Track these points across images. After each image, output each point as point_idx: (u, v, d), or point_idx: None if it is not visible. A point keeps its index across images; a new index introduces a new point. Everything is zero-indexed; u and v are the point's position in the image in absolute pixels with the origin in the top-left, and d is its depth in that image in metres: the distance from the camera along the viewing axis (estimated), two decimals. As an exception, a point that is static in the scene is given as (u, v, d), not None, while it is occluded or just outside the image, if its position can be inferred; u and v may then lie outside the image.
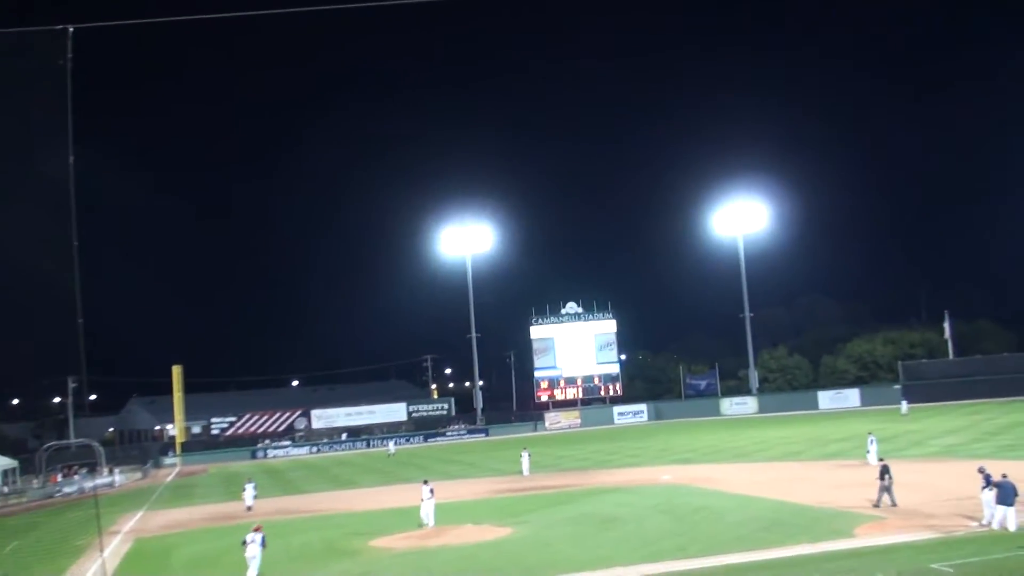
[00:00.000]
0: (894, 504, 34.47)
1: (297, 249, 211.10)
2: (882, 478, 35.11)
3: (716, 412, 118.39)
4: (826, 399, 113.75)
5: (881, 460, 38.62)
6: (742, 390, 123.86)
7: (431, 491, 38.65)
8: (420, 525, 38.12)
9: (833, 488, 40.57)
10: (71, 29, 31.17)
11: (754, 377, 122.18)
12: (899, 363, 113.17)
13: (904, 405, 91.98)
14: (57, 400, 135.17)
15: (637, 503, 41.53)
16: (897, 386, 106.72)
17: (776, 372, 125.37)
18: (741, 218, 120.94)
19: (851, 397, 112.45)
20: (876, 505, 34.80)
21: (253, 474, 64.06)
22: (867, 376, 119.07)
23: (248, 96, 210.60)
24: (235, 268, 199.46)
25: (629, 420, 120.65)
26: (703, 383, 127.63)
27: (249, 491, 51.31)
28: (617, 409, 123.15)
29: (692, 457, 64.22)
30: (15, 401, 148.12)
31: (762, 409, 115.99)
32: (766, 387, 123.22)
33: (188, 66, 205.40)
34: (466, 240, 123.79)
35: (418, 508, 38.90)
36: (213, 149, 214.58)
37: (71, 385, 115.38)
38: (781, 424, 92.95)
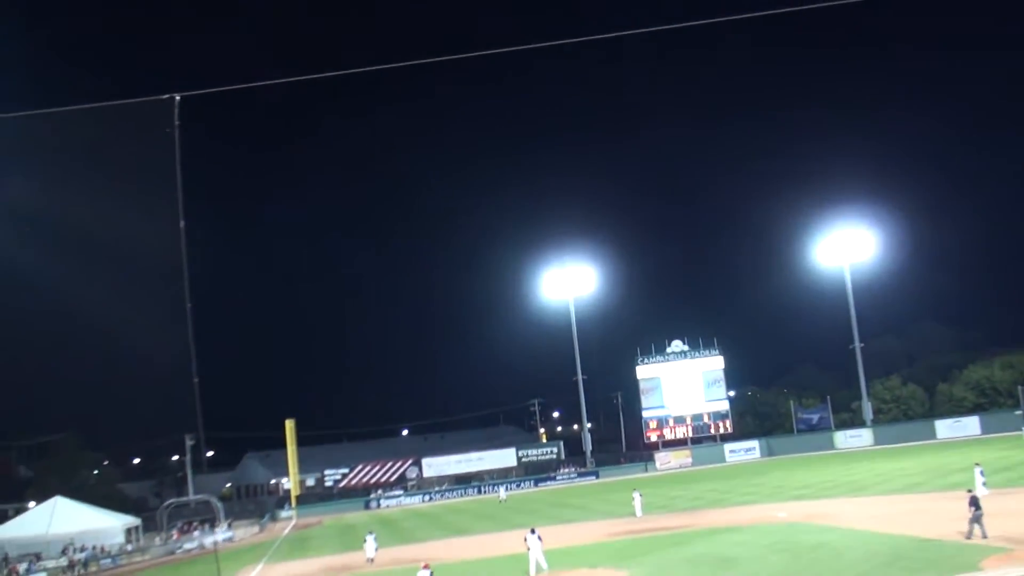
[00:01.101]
0: (985, 536, 33.83)
1: (401, 300, 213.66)
2: (973, 509, 34.58)
3: (830, 446, 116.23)
4: (944, 428, 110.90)
5: (970, 491, 37.71)
6: (856, 422, 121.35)
7: (539, 538, 38.59)
8: (525, 574, 37.99)
9: (956, 520, 39.49)
10: (178, 98, 32.45)
11: (868, 408, 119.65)
12: (1019, 388, 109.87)
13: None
14: (175, 458, 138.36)
15: (753, 542, 40.97)
16: (1018, 412, 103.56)
17: (890, 403, 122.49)
18: (846, 246, 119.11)
19: (970, 425, 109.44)
20: (968, 537, 34.21)
21: (370, 525, 64.69)
22: (986, 403, 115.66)
23: (348, 149, 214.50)
24: (343, 321, 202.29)
25: (741, 457, 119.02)
26: (815, 417, 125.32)
27: (370, 543, 51.67)
28: (728, 447, 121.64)
29: (807, 493, 63.11)
30: (136, 460, 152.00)
31: (877, 441, 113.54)
32: (880, 418, 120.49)
33: (294, 127, 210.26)
34: (568, 282, 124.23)
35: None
36: (320, 203, 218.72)
37: (189, 443, 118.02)
38: (898, 456, 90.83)
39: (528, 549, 38.50)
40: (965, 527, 34.77)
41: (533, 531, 39.51)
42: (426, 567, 31.87)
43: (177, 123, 32.07)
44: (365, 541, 52.13)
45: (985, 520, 34.61)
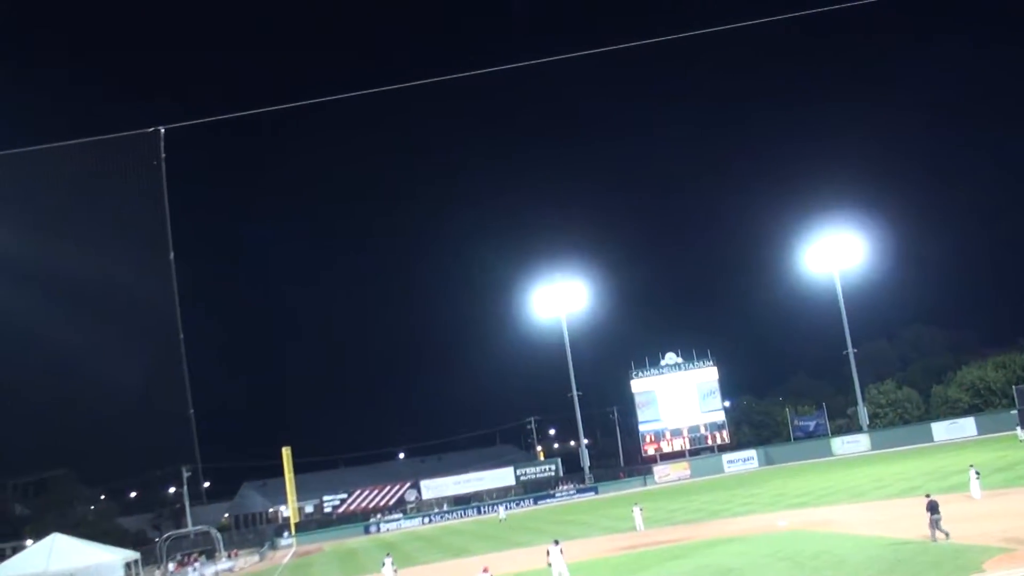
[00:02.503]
0: (948, 536, 35.07)
1: (394, 323, 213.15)
2: (930, 514, 35.93)
3: (828, 452, 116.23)
4: (940, 430, 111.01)
5: (928, 496, 38.09)
6: (852, 428, 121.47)
7: (561, 551, 38.35)
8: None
9: (957, 522, 39.50)
10: (162, 130, 32.51)
11: (863, 413, 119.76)
12: (1013, 387, 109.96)
13: (1020, 431, 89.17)
14: (173, 490, 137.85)
15: (755, 552, 40.93)
16: (1013, 411, 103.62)
17: (886, 407, 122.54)
18: (835, 253, 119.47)
19: (966, 427, 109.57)
20: (933, 540, 35.29)
21: (367, 549, 64.50)
22: (981, 403, 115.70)
23: (338, 172, 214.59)
24: (336, 347, 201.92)
25: (739, 467, 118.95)
26: (812, 424, 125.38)
27: (388, 566, 50.90)
28: (726, 457, 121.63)
29: (807, 500, 63.08)
30: (133, 494, 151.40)
31: (875, 446, 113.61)
32: (876, 423, 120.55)
33: (277, 153, 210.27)
34: (560, 299, 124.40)
35: (540, 572, 38.66)
36: (312, 227, 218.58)
37: (186, 474, 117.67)
38: (896, 460, 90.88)
39: (549, 564, 38.24)
40: (927, 531, 35.88)
41: (556, 542, 39.30)
42: (486, 571, 32.30)
43: (163, 155, 32.12)
44: (383, 564, 51.22)
45: (943, 523, 35.78)
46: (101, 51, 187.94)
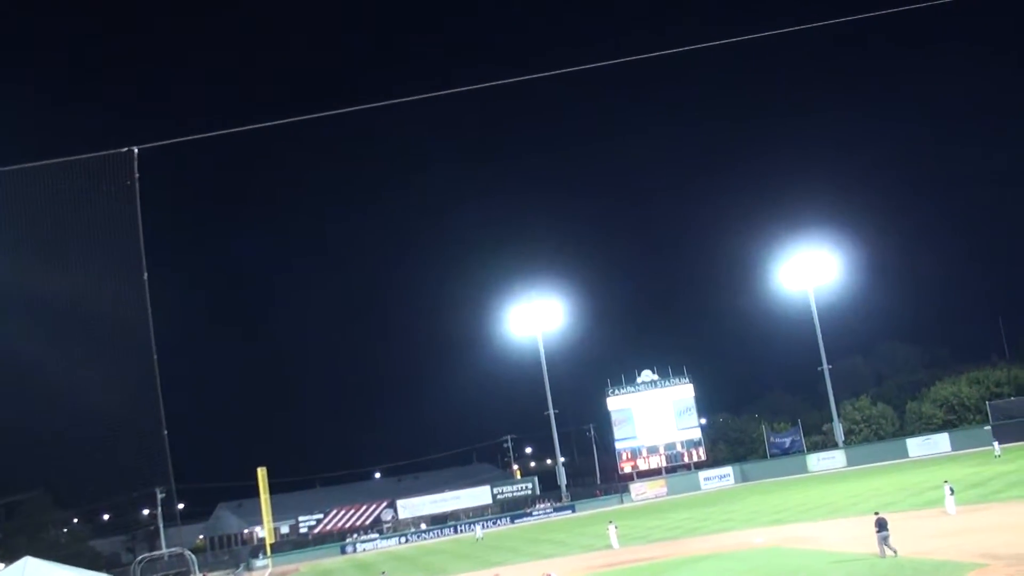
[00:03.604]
0: (896, 553, 35.91)
1: (367, 342, 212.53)
2: (877, 530, 36.76)
3: (803, 469, 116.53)
4: (915, 446, 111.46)
5: (877, 513, 38.49)
6: (828, 444, 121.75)
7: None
8: None
9: (933, 537, 39.67)
10: (136, 150, 32.34)
11: (839, 430, 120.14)
12: (987, 403, 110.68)
13: (996, 446, 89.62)
14: (147, 512, 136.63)
15: (733, 569, 40.96)
16: (987, 427, 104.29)
17: (860, 423, 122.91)
18: (810, 269, 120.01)
19: (941, 442, 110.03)
20: (882, 556, 36.06)
21: (343, 569, 64.11)
22: (955, 419, 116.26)
23: (305, 185, 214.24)
24: (309, 367, 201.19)
25: (716, 484, 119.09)
26: (787, 440, 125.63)
27: None
28: (703, 474, 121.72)
29: (784, 517, 63.21)
30: (106, 516, 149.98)
31: (850, 462, 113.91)
32: (852, 439, 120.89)
33: (243, 171, 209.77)
34: (536, 318, 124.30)
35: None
36: (283, 247, 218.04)
37: (160, 496, 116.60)
38: (871, 476, 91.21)
39: None
40: (876, 548, 36.64)
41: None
42: None
43: (137, 175, 31.93)
44: None
45: (892, 540, 36.57)
46: (75, 69, 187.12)
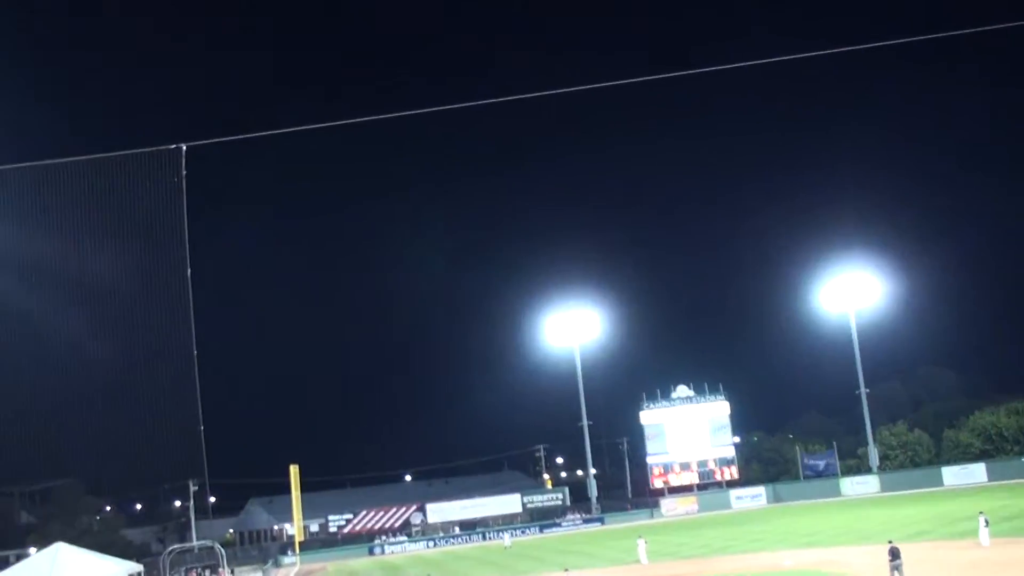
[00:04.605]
0: None
1: (404, 345, 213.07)
2: (891, 559, 36.12)
3: (836, 492, 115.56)
4: (951, 475, 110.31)
5: (890, 542, 38.21)
6: (862, 469, 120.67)
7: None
8: None
9: (966, 569, 39.31)
10: (184, 147, 32.78)
11: (874, 455, 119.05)
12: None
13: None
14: (179, 504, 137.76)
15: (761, 590, 40.73)
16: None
17: (896, 449, 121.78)
18: (851, 291, 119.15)
19: (977, 472, 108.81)
20: None
21: (369, 571, 64.29)
22: (992, 449, 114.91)
23: (348, 188, 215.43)
24: (346, 367, 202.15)
25: (747, 504, 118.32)
26: (822, 463, 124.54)
27: None
28: (734, 493, 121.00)
29: (815, 540, 62.77)
30: (139, 506, 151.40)
31: (884, 488, 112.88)
32: (887, 464, 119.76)
33: (296, 171, 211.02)
34: (572, 327, 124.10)
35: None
36: (323, 246, 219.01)
37: (192, 488, 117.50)
38: (905, 503, 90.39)
39: None
40: None
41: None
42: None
43: (184, 172, 32.39)
44: None
45: (904, 568, 37.05)
46: (130, 68, 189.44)
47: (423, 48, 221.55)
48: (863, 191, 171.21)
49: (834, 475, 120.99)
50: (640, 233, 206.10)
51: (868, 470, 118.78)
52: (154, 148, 31.43)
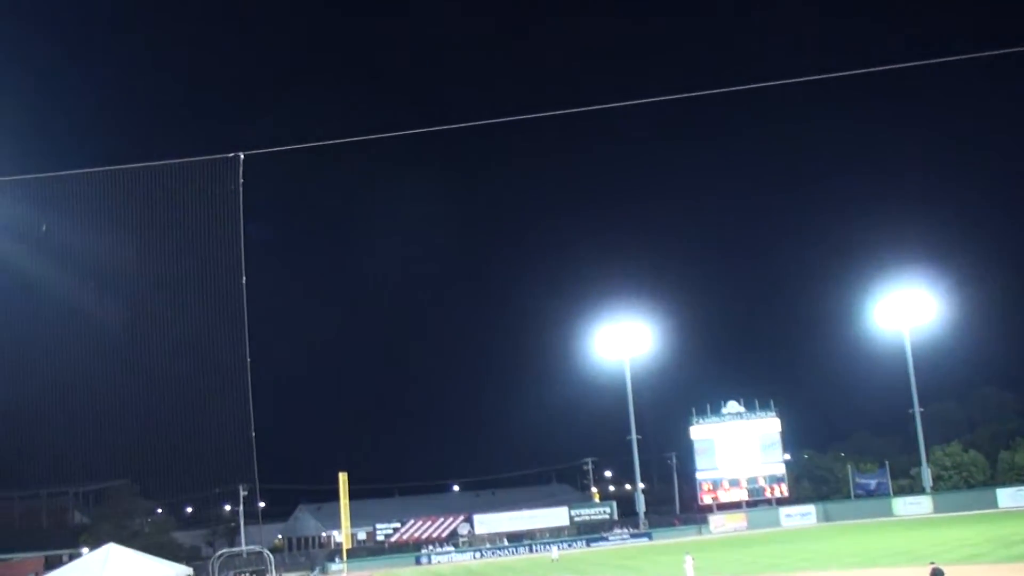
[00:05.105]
0: None
1: (455, 355, 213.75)
2: None
3: (888, 512, 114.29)
4: (1006, 497, 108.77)
5: (932, 563, 37.58)
6: (915, 489, 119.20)
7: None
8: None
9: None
10: (242, 156, 33.17)
11: (927, 475, 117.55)
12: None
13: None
14: (228, 508, 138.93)
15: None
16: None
17: (950, 469, 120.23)
18: (906, 308, 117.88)
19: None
20: None
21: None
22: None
23: (407, 205, 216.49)
24: (396, 375, 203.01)
25: (797, 522, 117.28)
26: (873, 482, 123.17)
27: None
28: (784, 510, 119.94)
29: (865, 560, 62.04)
30: (189, 510, 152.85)
31: (937, 509, 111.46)
32: (940, 485, 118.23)
33: (349, 182, 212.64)
34: (623, 340, 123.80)
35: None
36: (377, 256, 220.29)
37: (242, 493, 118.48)
38: (959, 524, 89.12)
39: None
40: None
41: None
42: None
43: (241, 180, 32.77)
44: None
45: None
46: (189, 76, 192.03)
47: (470, 60, 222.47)
48: (922, 205, 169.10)
49: (886, 495, 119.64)
50: (693, 246, 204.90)
51: (921, 490, 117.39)
52: (212, 156, 31.82)
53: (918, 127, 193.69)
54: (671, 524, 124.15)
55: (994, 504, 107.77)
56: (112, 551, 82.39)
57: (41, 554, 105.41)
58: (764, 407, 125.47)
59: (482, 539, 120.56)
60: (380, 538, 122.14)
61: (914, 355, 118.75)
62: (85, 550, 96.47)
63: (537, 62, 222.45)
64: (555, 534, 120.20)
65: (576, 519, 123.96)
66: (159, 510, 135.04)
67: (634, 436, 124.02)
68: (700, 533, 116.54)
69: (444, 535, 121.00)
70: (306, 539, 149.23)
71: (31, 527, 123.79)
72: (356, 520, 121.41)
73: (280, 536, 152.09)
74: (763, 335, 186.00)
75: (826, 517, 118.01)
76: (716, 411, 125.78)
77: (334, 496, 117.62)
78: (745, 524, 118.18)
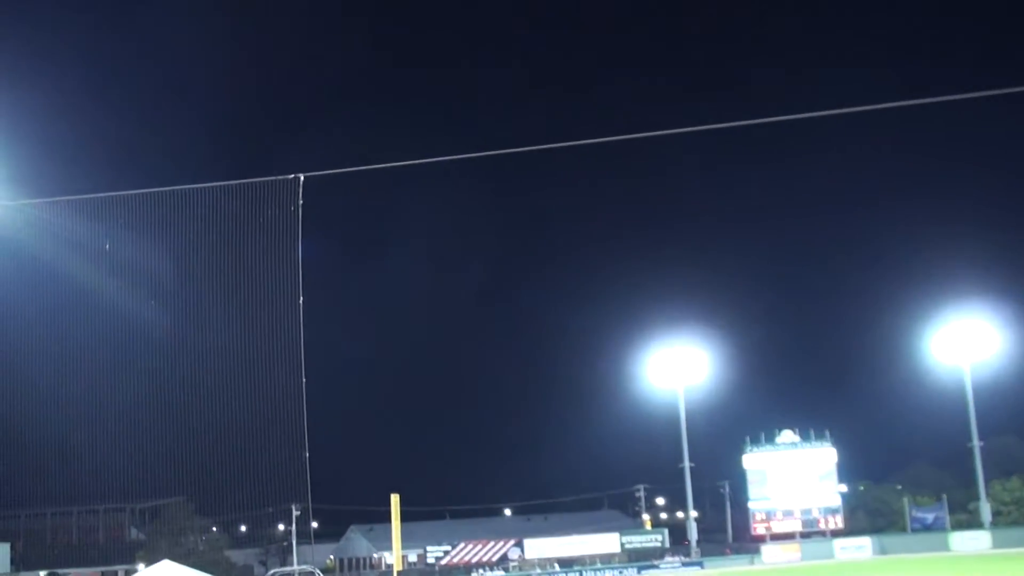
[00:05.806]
0: None
1: (510, 379, 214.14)
2: None
3: (945, 547, 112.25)
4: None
5: None
6: (973, 524, 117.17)
7: None
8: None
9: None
10: (302, 177, 33.74)
11: (986, 510, 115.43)
12: None
13: None
14: (282, 527, 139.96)
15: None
16: None
17: (1010, 504, 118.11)
18: (966, 340, 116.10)
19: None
20: None
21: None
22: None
23: (457, 231, 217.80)
24: (449, 399, 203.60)
25: (852, 555, 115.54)
26: (931, 516, 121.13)
27: None
28: (839, 543, 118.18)
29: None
30: (243, 528, 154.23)
31: (996, 544, 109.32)
32: (999, 520, 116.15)
33: (401, 207, 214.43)
34: (677, 366, 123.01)
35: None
36: (429, 280, 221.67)
37: (295, 513, 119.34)
38: (1017, 560, 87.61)
39: None
40: None
41: None
42: None
43: (301, 202, 33.33)
44: None
45: None
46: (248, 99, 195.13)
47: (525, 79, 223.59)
48: (983, 233, 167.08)
49: (943, 529, 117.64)
50: (750, 272, 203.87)
51: (979, 525, 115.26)
52: (272, 177, 32.40)
53: (978, 153, 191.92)
54: (723, 553, 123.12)
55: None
56: (167, 568, 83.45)
57: (98, 569, 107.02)
58: (820, 437, 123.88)
59: (532, 564, 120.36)
60: (431, 560, 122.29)
61: (974, 387, 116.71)
62: (141, 566, 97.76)
63: (601, 84, 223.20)
64: (605, 560, 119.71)
65: (627, 546, 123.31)
66: (213, 528, 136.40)
67: (687, 463, 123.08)
68: (752, 563, 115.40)
69: (495, 559, 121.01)
70: (357, 560, 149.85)
71: (88, 542, 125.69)
72: (407, 542, 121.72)
73: (332, 557, 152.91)
74: (819, 364, 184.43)
75: (882, 550, 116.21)
76: (770, 440, 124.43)
77: (386, 517, 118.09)
78: (799, 556, 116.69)
